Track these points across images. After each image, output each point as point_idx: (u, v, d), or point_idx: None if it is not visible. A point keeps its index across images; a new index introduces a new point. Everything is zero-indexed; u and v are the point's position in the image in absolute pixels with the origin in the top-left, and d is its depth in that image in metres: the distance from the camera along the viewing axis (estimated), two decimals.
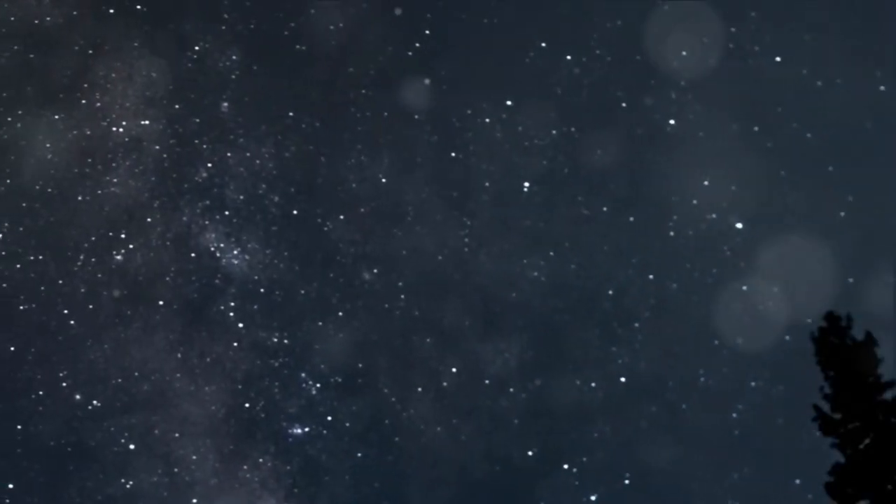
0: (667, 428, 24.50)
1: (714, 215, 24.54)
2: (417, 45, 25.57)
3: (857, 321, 13.86)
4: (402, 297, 25.88)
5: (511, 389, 25.34)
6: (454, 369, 25.94)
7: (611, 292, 25.24)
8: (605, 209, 25.24)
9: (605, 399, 25.01)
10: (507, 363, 25.74)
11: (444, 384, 25.92)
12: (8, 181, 26.59)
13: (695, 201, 24.71)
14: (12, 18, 26.49)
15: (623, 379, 24.93)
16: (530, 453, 24.99)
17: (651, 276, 24.84)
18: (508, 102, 25.26)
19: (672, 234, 24.83)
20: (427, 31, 25.61)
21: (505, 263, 25.49)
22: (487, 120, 25.34)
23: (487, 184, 25.63)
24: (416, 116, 25.61)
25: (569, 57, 25.03)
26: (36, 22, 26.47)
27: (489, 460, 25.37)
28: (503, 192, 25.54)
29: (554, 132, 25.31)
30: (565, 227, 25.22)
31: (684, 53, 24.50)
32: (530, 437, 25.10)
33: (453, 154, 25.63)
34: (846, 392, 13.48)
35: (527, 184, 25.39)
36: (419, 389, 26.05)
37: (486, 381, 25.76)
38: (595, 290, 25.32)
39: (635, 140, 25.19)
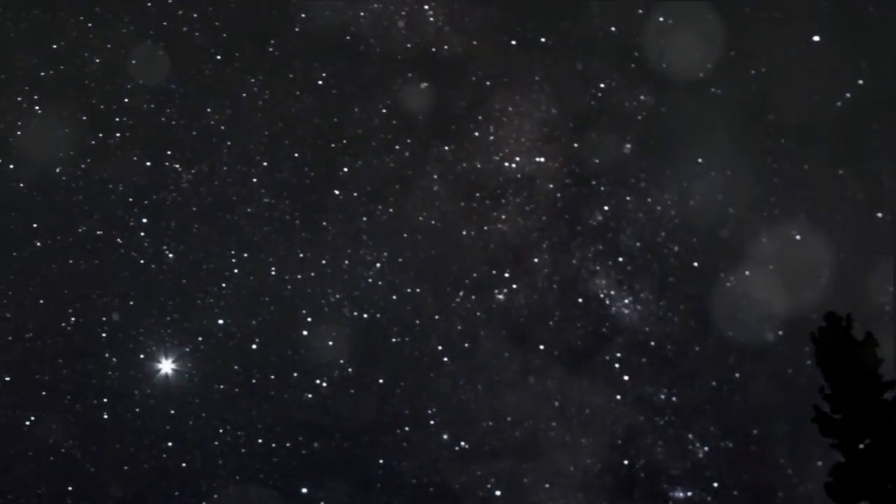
0: None
1: None
2: (848, 94, 23.89)
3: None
4: (808, 363, 24.13)
5: None
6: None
7: None
8: None
9: None
10: None
11: None
12: (391, 210, 26.10)
13: None
14: (409, 45, 25.98)
15: None
16: None
17: None
18: None
19: None
20: (860, 81, 23.90)
21: None
22: None
23: None
24: (840, 171, 23.95)
25: None
26: (433, 50, 25.89)
27: None
28: None
29: None
30: None
31: None
32: None
33: (879, 214, 23.84)
34: (846, 392, 13.28)
35: None
36: (819, 463, 24.32)
37: None
38: None
39: None
